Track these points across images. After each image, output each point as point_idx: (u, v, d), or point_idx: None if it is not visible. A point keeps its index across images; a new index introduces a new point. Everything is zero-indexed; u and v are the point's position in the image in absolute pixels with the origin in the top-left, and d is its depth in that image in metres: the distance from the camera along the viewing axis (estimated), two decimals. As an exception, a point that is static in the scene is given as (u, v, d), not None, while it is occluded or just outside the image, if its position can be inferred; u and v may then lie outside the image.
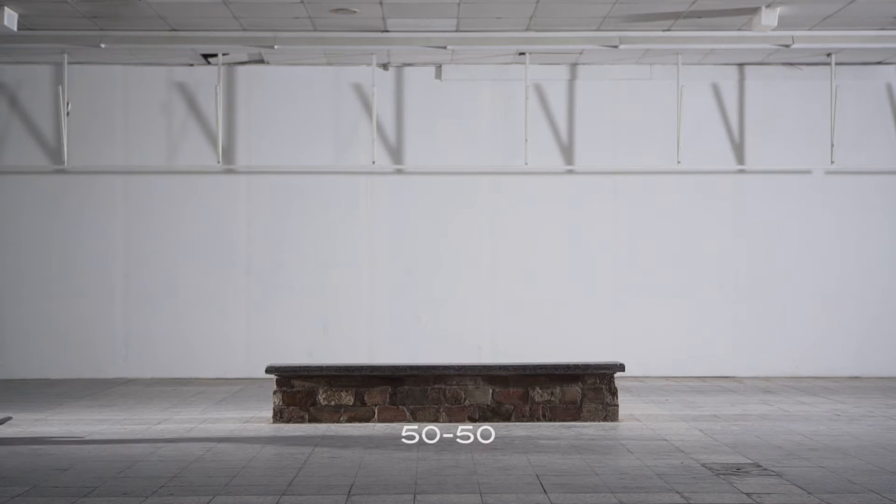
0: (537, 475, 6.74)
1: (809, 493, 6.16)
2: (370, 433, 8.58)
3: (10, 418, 9.39)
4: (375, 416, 9.19)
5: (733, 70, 13.56)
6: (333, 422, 9.15)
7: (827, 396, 11.20)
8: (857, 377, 13.35)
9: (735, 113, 13.58)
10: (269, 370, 9.24)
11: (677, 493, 6.19)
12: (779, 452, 7.59)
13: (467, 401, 9.21)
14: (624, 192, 13.53)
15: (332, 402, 9.19)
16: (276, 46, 12.25)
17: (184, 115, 13.44)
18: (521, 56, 12.98)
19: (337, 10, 11.32)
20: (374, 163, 13.24)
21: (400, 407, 9.21)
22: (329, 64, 13.38)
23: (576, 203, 13.53)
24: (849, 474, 6.75)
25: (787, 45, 12.24)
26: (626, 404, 10.19)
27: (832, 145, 13.20)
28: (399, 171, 13.48)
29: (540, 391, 9.21)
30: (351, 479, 6.63)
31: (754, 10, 11.26)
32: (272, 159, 13.47)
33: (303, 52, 12.80)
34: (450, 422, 9.15)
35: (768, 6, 11.12)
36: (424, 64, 13.47)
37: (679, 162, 13.20)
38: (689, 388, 12.14)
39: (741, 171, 13.54)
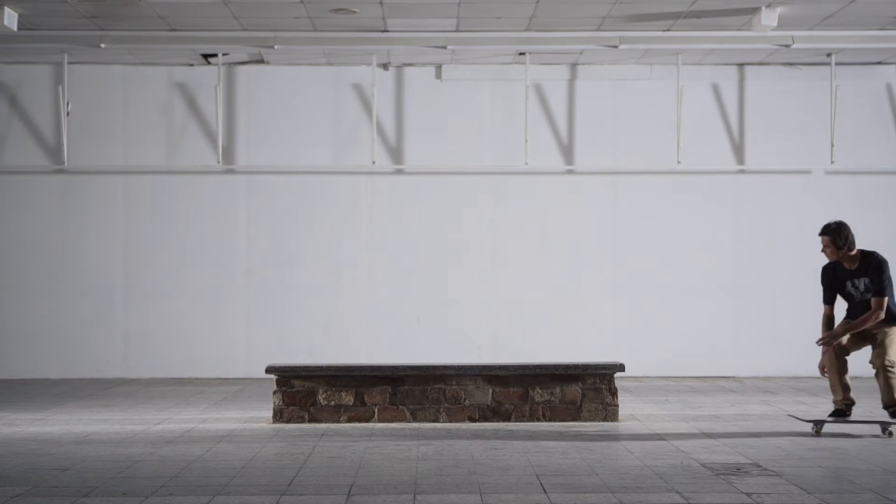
0: (537, 475, 6.74)
1: (809, 493, 6.16)
2: (370, 433, 8.58)
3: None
4: (375, 416, 9.19)
5: (733, 70, 13.56)
6: (333, 422, 9.15)
7: (827, 396, 11.18)
8: (856, 377, 13.30)
9: (735, 113, 13.58)
10: (269, 370, 9.24)
11: (677, 493, 6.19)
12: (779, 452, 7.59)
13: (467, 401, 9.22)
14: (624, 192, 13.53)
15: (332, 402, 9.19)
16: (276, 46, 12.25)
17: (184, 115, 13.44)
18: (521, 56, 12.98)
19: (337, 10, 11.33)
20: (374, 163, 13.24)
21: (400, 407, 9.21)
22: (329, 64, 13.38)
23: (576, 203, 13.53)
24: (849, 474, 6.75)
25: (787, 45, 12.24)
26: (626, 404, 10.19)
27: (832, 145, 13.20)
28: (399, 171, 13.48)
29: (540, 391, 9.22)
30: (351, 479, 6.63)
31: (754, 10, 11.26)
32: (272, 159, 13.47)
33: (303, 52, 12.80)
34: (450, 422, 9.15)
35: (768, 6, 11.12)
36: (424, 64, 13.46)
37: (679, 162, 13.20)
38: (689, 388, 12.13)
39: (741, 171, 13.54)
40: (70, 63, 13.09)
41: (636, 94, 13.54)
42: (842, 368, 8.74)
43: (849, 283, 8.67)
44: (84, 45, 12.29)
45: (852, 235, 8.60)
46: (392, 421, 9.17)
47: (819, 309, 8.82)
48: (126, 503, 6.02)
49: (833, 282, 8.74)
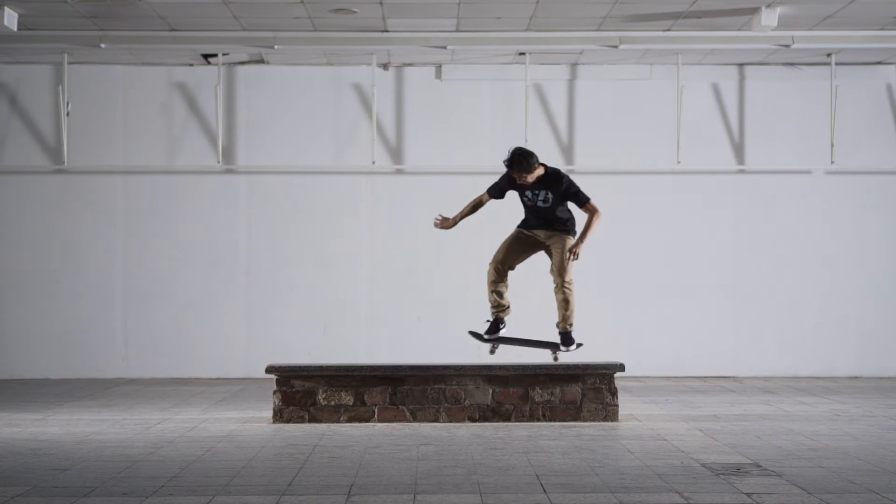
0: (537, 475, 6.73)
1: (809, 493, 6.16)
2: (370, 433, 8.58)
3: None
4: (375, 416, 9.18)
5: (733, 70, 13.56)
6: (333, 422, 9.15)
7: (827, 396, 11.20)
8: (857, 377, 13.35)
9: (735, 113, 13.58)
10: (269, 370, 9.24)
11: (677, 493, 6.19)
12: (779, 452, 7.59)
13: (467, 401, 9.22)
14: (624, 191, 13.53)
15: (332, 402, 9.19)
16: (276, 46, 12.25)
17: (184, 115, 13.44)
18: (521, 56, 12.98)
19: (337, 10, 11.33)
20: (374, 163, 13.24)
21: (400, 407, 9.21)
22: (329, 64, 13.38)
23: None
24: (849, 474, 6.75)
25: (787, 45, 12.24)
26: (626, 404, 10.19)
27: (832, 145, 13.20)
28: (399, 171, 13.48)
29: (540, 391, 9.21)
30: (351, 479, 6.63)
31: (754, 10, 11.26)
32: (272, 159, 13.47)
33: (303, 52, 12.80)
34: (450, 422, 9.15)
35: (768, 6, 11.12)
36: (424, 64, 13.47)
37: (679, 162, 13.20)
38: (689, 388, 12.13)
39: (741, 171, 13.54)
40: (70, 63, 13.10)
41: (636, 94, 13.54)
42: (500, 278, 9.13)
43: (529, 192, 8.99)
44: (84, 45, 12.29)
45: (535, 156, 8.85)
46: (392, 421, 9.17)
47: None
48: (126, 503, 6.02)
49: (512, 184, 9.01)
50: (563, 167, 13.46)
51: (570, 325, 9.11)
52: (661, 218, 13.53)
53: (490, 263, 9.15)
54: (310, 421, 9.15)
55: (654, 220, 13.52)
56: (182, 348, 13.35)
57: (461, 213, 9.25)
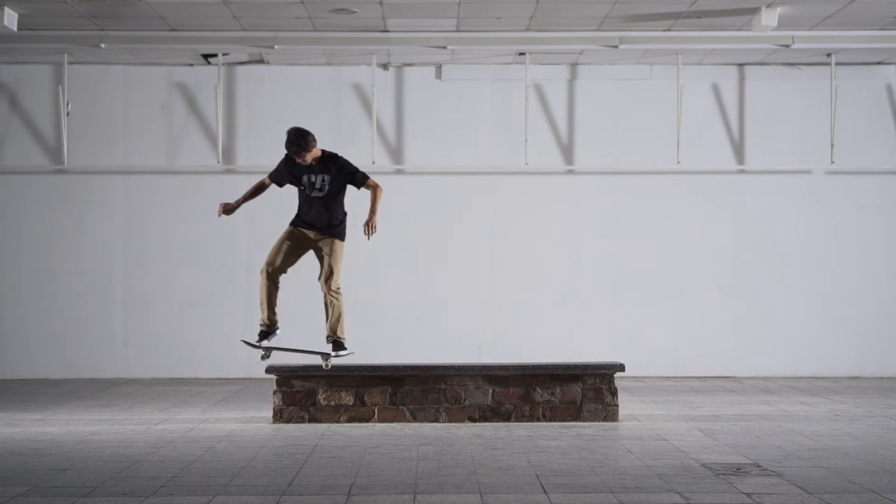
0: (537, 475, 6.74)
1: (809, 493, 6.16)
2: (370, 433, 8.58)
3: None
4: (375, 416, 9.19)
5: (733, 70, 13.56)
6: (333, 422, 9.16)
7: (827, 396, 11.20)
8: (857, 377, 13.35)
9: (735, 113, 13.58)
10: (269, 370, 9.25)
11: (677, 493, 6.19)
12: (779, 452, 7.59)
13: (467, 401, 9.22)
14: (624, 192, 13.53)
15: (332, 402, 9.19)
16: (276, 46, 12.25)
17: (184, 115, 13.44)
18: (521, 56, 12.98)
19: (337, 10, 11.33)
20: (374, 163, 13.23)
21: (400, 407, 9.21)
22: (329, 64, 13.38)
23: (576, 203, 13.53)
24: (849, 474, 6.75)
25: (787, 45, 12.24)
26: (626, 404, 10.19)
27: (832, 145, 13.20)
28: (399, 171, 13.48)
29: (540, 391, 9.21)
30: (351, 479, 6.63)
31: (754, 10, 11.27)
32: (272, 159, 13.35)
33: (303, 52, 12.80)
34: (450, 422, 9.15)
35: (768, 6, 11.12)
36: (424, 64, 13.46)
37: (679, 162, 13.20)
38: (689, 388, 12.14)
39: (741, 171, 13.54)
40: (70, 63, 13.09)
41: (636, 94, 13.54)
42: (275, 288, 9.09)
43: (306, 177, 9.01)
44: (84, 45, 12.29)
45: (312, 135, 8.88)
46: (392, 421, 9.17)
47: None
48: (126, 503, 6.02)
49: (292, 169, 9.05)
50: (563, 167, 13.51)
51: (341, 336, 8.98)
52: (660, 218, 13.53)
53: (262, 271, 9.06)
54: (310, 421, 9.15)
55: (653, 220, 13.51)
56: (182, 348, 13.35)
57: (243, 196, 9.31)
